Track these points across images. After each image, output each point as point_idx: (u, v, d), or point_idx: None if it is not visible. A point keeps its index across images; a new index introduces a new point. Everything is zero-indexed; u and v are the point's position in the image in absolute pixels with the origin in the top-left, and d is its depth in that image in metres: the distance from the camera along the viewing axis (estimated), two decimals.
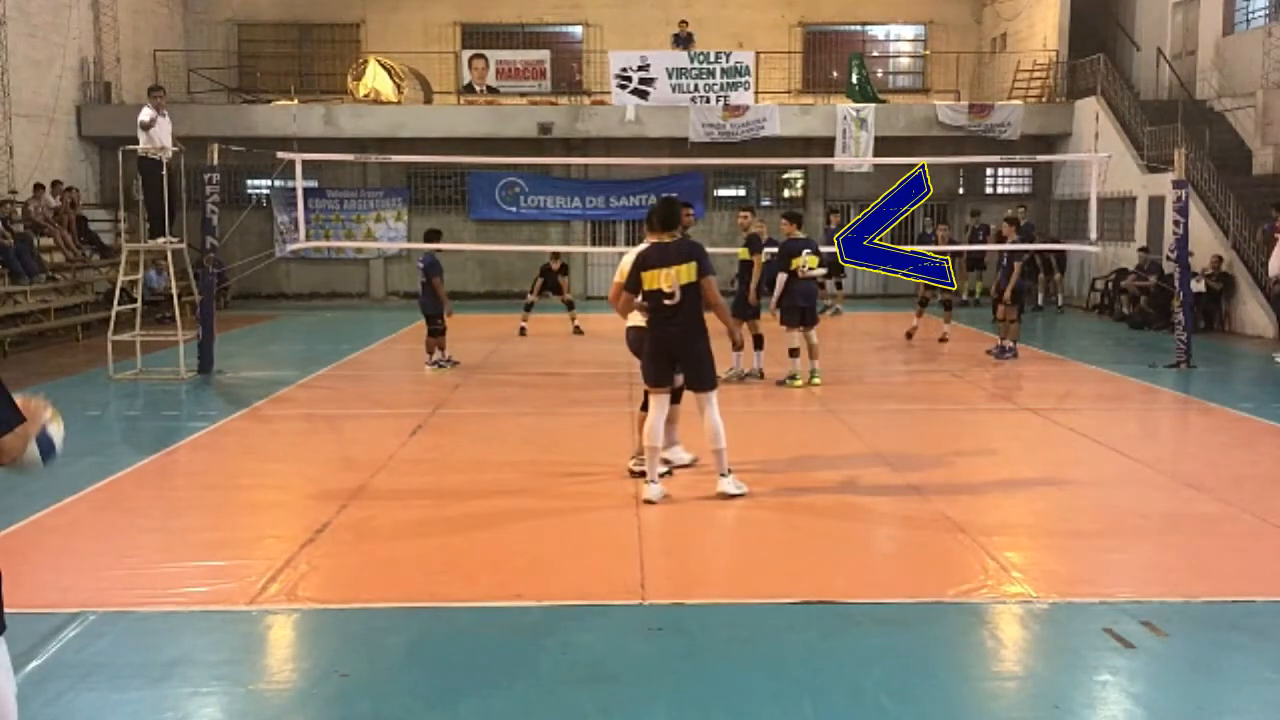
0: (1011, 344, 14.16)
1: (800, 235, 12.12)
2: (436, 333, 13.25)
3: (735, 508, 7.26)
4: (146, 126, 13.06)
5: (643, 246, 7.49)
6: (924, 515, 7.09)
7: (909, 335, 16.03)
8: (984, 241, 20.28)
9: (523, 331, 16.80)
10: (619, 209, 23.75)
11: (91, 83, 21.79)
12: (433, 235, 13.74)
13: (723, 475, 7.40)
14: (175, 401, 11.60)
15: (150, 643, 5.04)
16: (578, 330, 16.95)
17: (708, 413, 7.34)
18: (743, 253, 12.32)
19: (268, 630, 5.28)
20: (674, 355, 7.32)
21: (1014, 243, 14.30)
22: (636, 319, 7.65)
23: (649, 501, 7.24)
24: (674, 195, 7.67)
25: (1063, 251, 20.64)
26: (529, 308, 17.04)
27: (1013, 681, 4.81)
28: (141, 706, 4.42)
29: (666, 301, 7.13)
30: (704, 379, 7.34)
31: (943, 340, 15.68)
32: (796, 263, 11.74)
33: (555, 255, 17.66)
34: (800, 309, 11.88)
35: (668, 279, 7.09)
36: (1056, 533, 6.89)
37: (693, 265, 7.11)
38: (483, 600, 5.58)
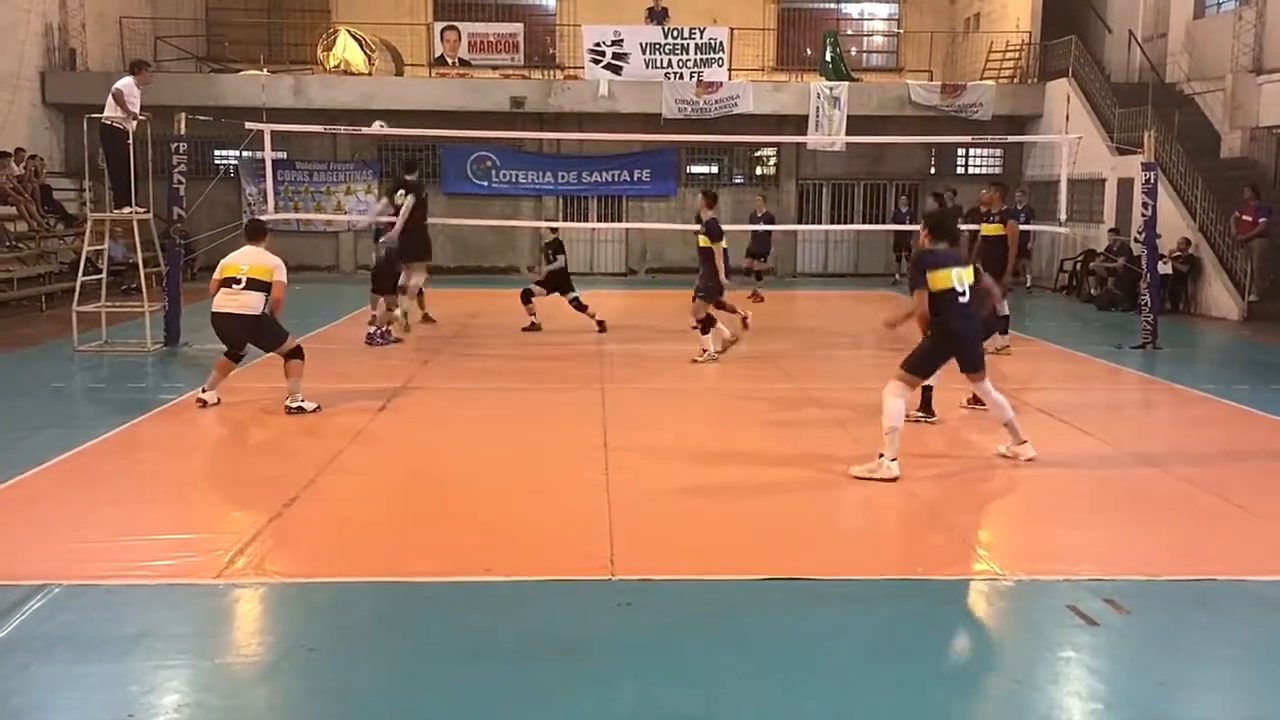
0: None
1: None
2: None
3: (704, 485, 7.26)
4: (126, 104, 12.81)
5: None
6: (891, 492, 7.13)
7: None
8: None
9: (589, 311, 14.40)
10: (591, 184, 23.67)
11: (56, 49, 21.41)
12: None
13: (1022, 444, 7.91)
14: (140, 374, 11.48)
15: (115, 616, 4.99)
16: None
17: (993, 394, 7.94)
18: (702, 240, 12.14)
19: (234, 604, 5.25)
20: (963, 348, 7.76)
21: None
22: (219, 304, 9.19)
23: (894, 479, 7.24)
24: (952, 208, 8.55)
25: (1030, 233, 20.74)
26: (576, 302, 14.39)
27: (978, 657, 4.87)
28: (106, 680, 4.39)
29: (961, 299, 7.63)
30: (979, 364, 7.88)
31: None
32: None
33: (552, 230, 15.10)
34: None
35: (959, 278, 7.63)
36: (1022, 511, 6.98)
37: (971, 268, 7.82)
38: (451, 575, 5.57)
